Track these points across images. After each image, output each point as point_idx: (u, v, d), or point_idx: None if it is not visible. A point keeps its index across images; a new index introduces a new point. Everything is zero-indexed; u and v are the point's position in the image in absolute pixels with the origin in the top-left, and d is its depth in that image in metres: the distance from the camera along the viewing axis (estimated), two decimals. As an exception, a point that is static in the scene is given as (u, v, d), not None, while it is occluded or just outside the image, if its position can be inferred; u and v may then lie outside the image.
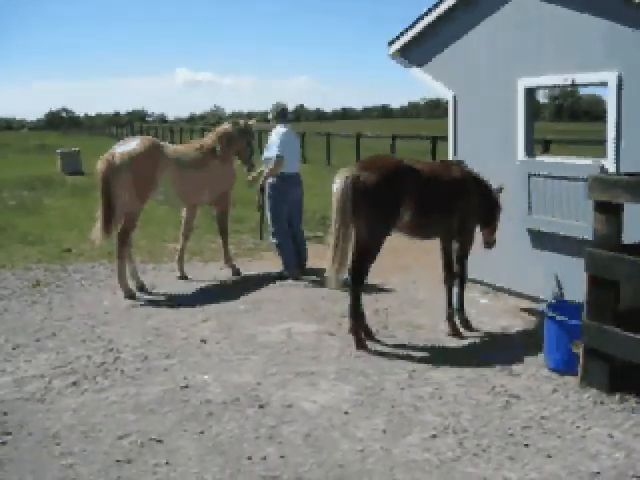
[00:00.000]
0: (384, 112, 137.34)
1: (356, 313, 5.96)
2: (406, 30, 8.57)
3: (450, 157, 8.34)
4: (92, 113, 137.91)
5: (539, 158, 7.20)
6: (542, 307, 5.77)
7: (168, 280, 8.49)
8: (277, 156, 8.22)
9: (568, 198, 6.74)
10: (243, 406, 4.71)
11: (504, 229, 7.58)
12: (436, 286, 8.15)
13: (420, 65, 8.57)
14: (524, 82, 7.18)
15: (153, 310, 7.14)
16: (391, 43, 8.88)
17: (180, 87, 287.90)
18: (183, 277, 8.58)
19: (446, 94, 8.29)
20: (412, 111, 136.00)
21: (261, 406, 4.71)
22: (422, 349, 5.97)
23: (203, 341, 6.10)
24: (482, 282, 8.01)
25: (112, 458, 4.07)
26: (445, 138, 24.02)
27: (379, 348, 5.95)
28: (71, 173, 23.62)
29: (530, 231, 7.28)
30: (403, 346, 6.04)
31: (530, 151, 7.28)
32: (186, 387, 5.05)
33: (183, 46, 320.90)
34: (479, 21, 7.73)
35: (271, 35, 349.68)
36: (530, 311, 7.05)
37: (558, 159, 7.03)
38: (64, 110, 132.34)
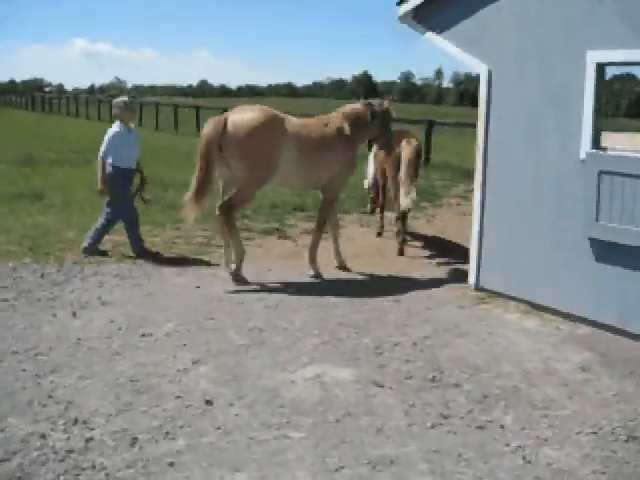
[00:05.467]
0: (289, 90, 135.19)
1: None
2: (425, -15, 6.93)
3: (480, 147, 6.82)
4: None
5: (613, 152, 5.76)
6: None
7: (118, 292, 6.54)
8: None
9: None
10: None
11: (555, 236, 6.17)
12: (456, 299, 6.70)
13: (440, 31, 6.96)
14: (595, 56, 5.71)
15: (116, 343, 5.23)
16: (402, 2, 7.22)
17: (78, 57, 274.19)
18: (343, 267, 7.80)
19: (477, 67, 6.72)
20: (317, 91, 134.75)
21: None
22: (506, 405, 4.42)
23: (208, 402, 4.27)
24: (518, 298, 6.56)
25: None
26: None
27: (456, 409, 4.35)
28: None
29: (594, 241, 5.86)
30: (480, 401, 4.47)
31: (598, 143, 5.84)
32: (218, 503, 3.26)
33: (79, 15, 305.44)
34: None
35: (168, 8, 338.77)
36: (601, 340, 5.66)
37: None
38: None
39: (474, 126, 23.10)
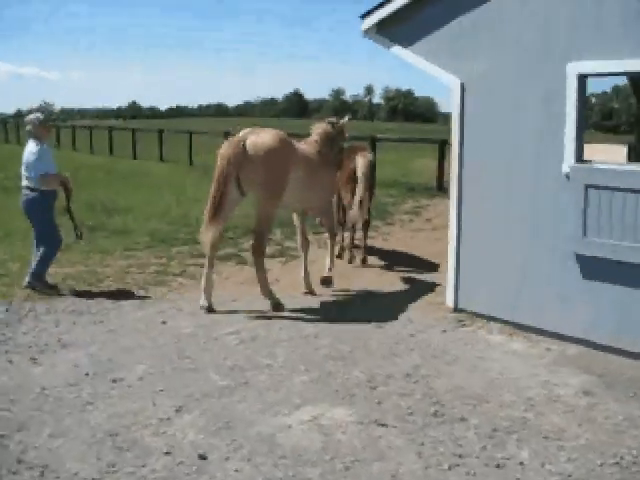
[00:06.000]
0: (220, 110, 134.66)
1: None
2: (390, -2, 6.69)
3: (455, 162, 6.59)
4: None
5: (599, 165, 5.61)
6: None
7: (77, 331, 6.01)
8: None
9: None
10: None
11: (537, 254, 5.99)
12: (437, 322, 6.45)
13: (408, 44, 6.72)
14: (577, 67, 5.57)
15: (86, 392, 4.72)
16: (365, 16, 6.97)
17: (2, 82, 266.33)
18: (310, 291, 7.66)
19: (449, 81, 6.51)
20: (248, 110, 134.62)
21: None
22: (518, 439, 4.15)
23: (202, 457, 3.84)
24: (499, 319, 6.35)
25: None
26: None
27: (469, 446, 4.04)
28: None
29: (581, 258, 5.69)
30: (490, 436, 4.18)
31: (581, 156, 5.69)
32: None
33: (3, 39, 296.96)
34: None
35: (97, 30, 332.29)
36: (595, 360, 5.47)
37: (630, 166, 5.49)
38: None
39: (416, 141, 23.05)
